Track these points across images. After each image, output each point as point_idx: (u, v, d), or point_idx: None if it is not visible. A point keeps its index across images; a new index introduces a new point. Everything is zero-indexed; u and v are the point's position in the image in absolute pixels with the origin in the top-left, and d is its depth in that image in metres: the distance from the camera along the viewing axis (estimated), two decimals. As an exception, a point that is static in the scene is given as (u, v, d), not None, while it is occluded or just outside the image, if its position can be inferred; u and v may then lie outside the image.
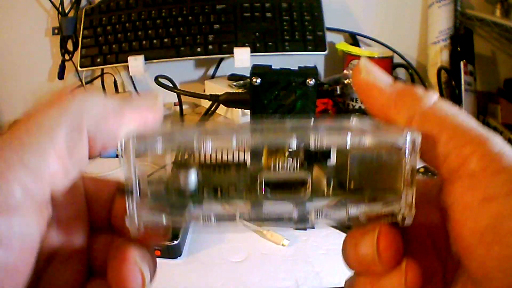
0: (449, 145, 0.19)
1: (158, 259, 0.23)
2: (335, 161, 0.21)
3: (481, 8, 0.98)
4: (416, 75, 1.00)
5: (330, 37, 0.97)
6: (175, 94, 0.90)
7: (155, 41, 0.88)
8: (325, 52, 0.90)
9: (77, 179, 0.20)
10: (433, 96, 0.20)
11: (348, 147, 0.19)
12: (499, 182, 0.17)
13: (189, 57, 0.89)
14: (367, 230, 0.20)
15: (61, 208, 0.20)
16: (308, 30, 0.90)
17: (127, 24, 0.90)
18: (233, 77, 0.93)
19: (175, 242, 0.55)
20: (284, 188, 0.20)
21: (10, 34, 0.99)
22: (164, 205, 0.20)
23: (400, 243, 0.19)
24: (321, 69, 1.05)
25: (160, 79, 0.67)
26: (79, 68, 0.90)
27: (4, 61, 1.01)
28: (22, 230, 0.17)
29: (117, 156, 0.20)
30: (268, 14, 0.91)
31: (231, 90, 0.85)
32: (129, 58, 0.86)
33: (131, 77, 1.02)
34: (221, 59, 1.00)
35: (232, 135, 0.18)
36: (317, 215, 0.19)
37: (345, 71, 0.47)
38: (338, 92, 0.44)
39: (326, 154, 0.22)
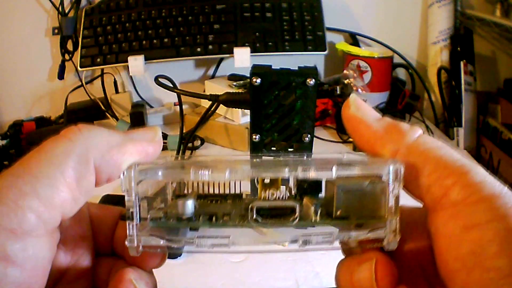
0: (432, 176, 0.20)
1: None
2: (324, 191, 0.24)
3: (481, 8, 0.98)
4: (416, 75, 1.00)
5: (330, 37, 0.97)
6: (175, 94, 0.90)
7: (155, 41, 0.88)
8: (325, 52, 0.90)
9: (83, 206, 0.22)
10: (418, 131, 0.22)
11: (334, 178, 0.21)
12: (479, 211, 0.18)
13: (189, 57, 0.89)
14: (363, 259, 0.21)
15: (68, 232, 0.23)
16: (308, 30, 0.90)
17: (127, 24, 0.90)
18: (233, 77, 0.93)
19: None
20: (275, 216, 0.21)
21: (10, 34, 0.99)
22: (163, 230, 0.22)
23: (396, 271, 0.20)
24: (321, 69, 1.05)
25: (160, 79, 0.67)
26: (79, 68, 0.90)
27: (4, 61, 1.00)
28: (35, 252, 0.19)
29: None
30: (268, 14, 0.91)
31: (231, 90, 0.85)
32: (129, 58, 0.86)
33: (131, 77, 1.02)
34: (221, 59, 1.00)
35: (227, 169, 0.21)
36: (305, 240, 0.21)
37: (345, 71, 0.47)
38: (338, 92, 0.44)
39: (315, 185, 0.24)
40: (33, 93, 1.04)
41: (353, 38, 1.03)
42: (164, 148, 0.83)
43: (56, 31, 0.98)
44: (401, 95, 0.93)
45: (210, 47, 0.88)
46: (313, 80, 0.30)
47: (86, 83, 0.97)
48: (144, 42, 0.88)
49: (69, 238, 0.23)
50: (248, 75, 0.30)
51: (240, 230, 0.21)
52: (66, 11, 0.96)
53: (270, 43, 0.89)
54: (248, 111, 0.31)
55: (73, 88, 0.98)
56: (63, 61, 0.97)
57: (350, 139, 0.83)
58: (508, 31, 0.80)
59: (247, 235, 0.21)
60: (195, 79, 1.05)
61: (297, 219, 0.21)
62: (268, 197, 0.23)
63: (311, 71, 0.30)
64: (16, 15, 0.98)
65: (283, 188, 0.23)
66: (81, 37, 0.91)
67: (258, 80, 0.30)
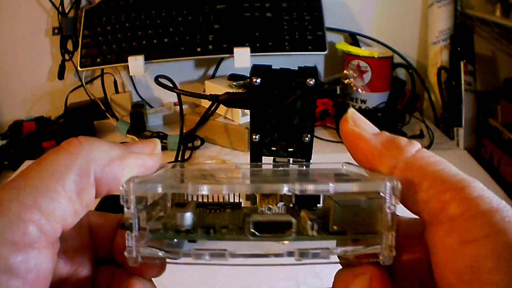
0: (430, 191, 0.20)
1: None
2: (321, 206, 0.24)
3: (481, 8, 0.98)
4: (416, 75, 1.00)
5: (330, 37, 0.97)
6: (175, 94, 0.90)
7: (155, 41, 0.88)
8: (325, 52, 0.90)
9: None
10: (416, 146, 0.22)
11: (331, 193, 0.21)
12: (477, 225, 0.18)
13: (189, 57, 0.89)
14: (359, 272, 0.21)
15: (68, 241, 0.23)
16: (308, 30, 0.90)
17: (127, 24, 0.90)
18: (233, 77, 0.93)
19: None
20: (272, 230, 0.22)
21: (10, 34, 0.99)
22: (161, 242, 0.22)
23: (390, 285, 0.21)
24: (321, 69, 1.05)
25: (160, 79, 0.67)
26: (79, 68, 0.90)
27: (4, 61, 1.01)
28: (37, 263, 0.19)
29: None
30: (268, 14, 0.91)
31: (231, 90, 0.85)
32: (129, 58, 0.86)
33: (131, 77, 1.02)
34: (221, 59, 1.00)
35: (224, 186, 0.21)
36: (302, 253, 0.21)
37: (345, 71, 0.47)
38: (338, 92, 0.44)
39: (314, 198, 0.24)
40: (33, 93, 1.04)
41: (353, 38, 1.03)
42: (164, 148, 0.84)
43: (56, 31, 0.98)
44: (401, 95, 0.93)
45: (210, 47, 0.88)
46: (313, 80, 0.30)
47: (86, 83, 0.98)
48: (144, 42, 0.88)
49: (69, 247, 0.23)
50: (248, 75, 0.30)
51: (238, 243, 0.22)
52: (66, 11, 0.96)
53: (270, 43, 0.89)
54: (248, 111, 0.31)
55: (73, 88, 0.98)
56: (63, 61, 0.97)
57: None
58: (508, 31, 0.80)
59: (245, 248, 0.22)
60: (195, 79, 1.05)
61: (294, 234, 0.22)
62: (266, 211, 0.23)
63: (311, 71, 0.30)
64: (16, 15, 0.98)
65: (281, 202, 0.24)
66: (81, 37, 0.91)
67: (258, 80, 0.30)
